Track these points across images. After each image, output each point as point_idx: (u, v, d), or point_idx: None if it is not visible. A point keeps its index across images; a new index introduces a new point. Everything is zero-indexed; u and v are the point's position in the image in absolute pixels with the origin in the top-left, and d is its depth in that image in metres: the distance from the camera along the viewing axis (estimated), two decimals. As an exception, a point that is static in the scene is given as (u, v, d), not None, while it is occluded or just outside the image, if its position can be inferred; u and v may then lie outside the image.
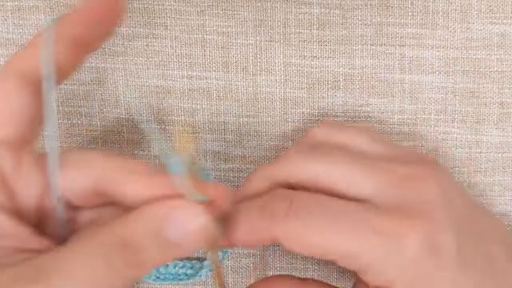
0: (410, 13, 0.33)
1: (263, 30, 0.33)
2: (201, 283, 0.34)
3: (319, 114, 0.34)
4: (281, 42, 0.34)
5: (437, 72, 0.34)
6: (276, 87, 0.34)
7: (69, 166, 0.26)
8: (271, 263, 0.34)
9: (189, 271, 0.33)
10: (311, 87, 0.34)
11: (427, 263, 0.24)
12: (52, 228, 0.27)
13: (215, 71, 0.34)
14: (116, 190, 0.25)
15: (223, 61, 0.34)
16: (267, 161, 0.34)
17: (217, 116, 0.34)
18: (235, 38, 0.34)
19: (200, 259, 0.34)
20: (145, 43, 0.33)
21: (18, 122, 0.25)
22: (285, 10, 0.33)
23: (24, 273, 0.23)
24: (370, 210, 0.25)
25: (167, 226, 0.23)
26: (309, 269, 0.35)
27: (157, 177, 0.24)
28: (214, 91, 0.34)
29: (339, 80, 0.34)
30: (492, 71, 0.34)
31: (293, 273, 0.35)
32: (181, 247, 0.24)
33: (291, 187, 0.28)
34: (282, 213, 0.25)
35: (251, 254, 0.34)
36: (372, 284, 0.25)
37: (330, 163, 0.27)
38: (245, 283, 0.34)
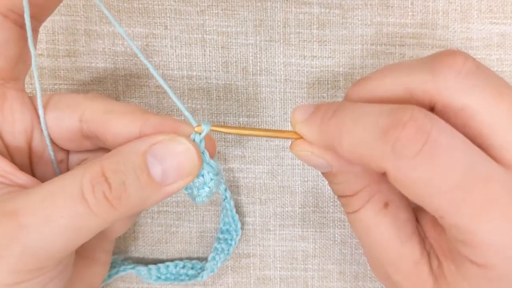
0: (410, 13, 0.33)
1: (263, 30, 0.33)
2: (201, 283, 0.34)
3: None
4: (281, 42, 0.33)
5: (437, 72, 0.34)
6: (276, 87, 0.34)
7: (54, 106, 0.25)
8: (271, 263, 0.34)
9: (190, 272, 0.33)
10: (311, 87, 0.34)
11: None
12: (44, 168, 0.26)
13: (215, 71, 0.34)
14: (101, 130, 0.24)
15: (223, 61, 0.34)
16: (267, 161, 0.34)
17: (217, 116, 0.34)
18: (235, 38, 0.34)
19: (201, 259, 0.34)
20: (145, 43, 0.33)
21: (2, 56, 0.24)
22: (285, 10, 0.33)
23: None
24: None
25: (150, 161, 0.22)
26: (309, 269, 0.34)
27: (140, 116, 0.23)
28: (214, 91, 0.34)
29: (339, 80, 0.34)
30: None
31: (293, 273, 0.35)
32: (165, 185, 0.22)
33: (431, 108, 0.22)
34: (411, 152, 0.19)
35: (251, 254, 0.34)
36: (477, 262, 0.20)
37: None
38: (245, 283, 0.34)
